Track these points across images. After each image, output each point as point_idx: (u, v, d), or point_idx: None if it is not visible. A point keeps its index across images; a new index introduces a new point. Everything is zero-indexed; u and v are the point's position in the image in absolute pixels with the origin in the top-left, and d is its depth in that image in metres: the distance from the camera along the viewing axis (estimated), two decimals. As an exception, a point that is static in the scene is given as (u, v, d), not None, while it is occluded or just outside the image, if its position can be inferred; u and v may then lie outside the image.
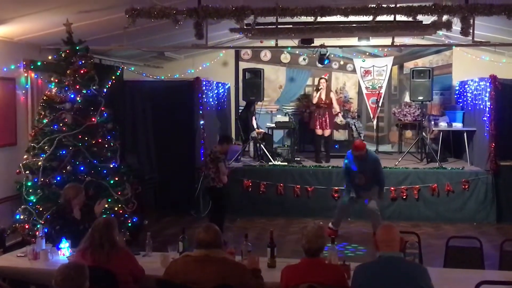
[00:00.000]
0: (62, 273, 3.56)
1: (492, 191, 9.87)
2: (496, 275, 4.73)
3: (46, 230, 5.65)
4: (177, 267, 4.11)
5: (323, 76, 12.00)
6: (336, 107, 11.64)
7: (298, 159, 11.20)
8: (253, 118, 11.81)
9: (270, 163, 10.85)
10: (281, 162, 11.01)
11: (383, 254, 3.85)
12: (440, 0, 6.72)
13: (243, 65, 12.90)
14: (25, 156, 7.45)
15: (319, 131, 11.32)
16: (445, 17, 7.08)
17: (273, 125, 11.99)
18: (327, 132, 11.35)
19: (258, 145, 11.38)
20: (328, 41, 9.70)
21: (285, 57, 13.31)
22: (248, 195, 10.33)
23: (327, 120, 11.24)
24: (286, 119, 12.04)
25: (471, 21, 6.75)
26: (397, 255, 3.87)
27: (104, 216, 5.39)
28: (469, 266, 5.14)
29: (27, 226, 7.10)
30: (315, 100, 11.39)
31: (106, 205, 6.84)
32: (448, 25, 7.18)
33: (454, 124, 11.16)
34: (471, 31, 6.90)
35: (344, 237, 8.78)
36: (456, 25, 6.90)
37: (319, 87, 11.40)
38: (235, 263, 4.25)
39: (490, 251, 6.90)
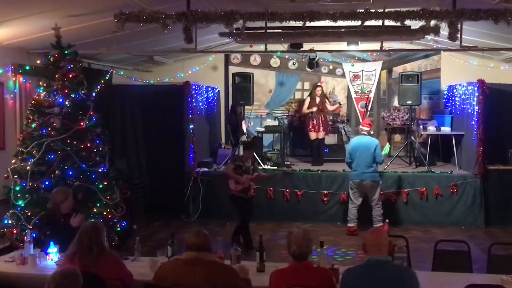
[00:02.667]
0: (56, 280, 3.53)
1: (480, 195, 9.92)
2: (484, 278, 4.77)
3: (34, 235, 5.62)
4: (166, 271, 4.10)
5: (319, 84, 12.01)
6: (329, 109, 11.75)
7: (288, 163, 11.21)
8: (243, 122, 11.81)
9: (260, 167, 10.82)
10: (271, 166, 11.01)
11: (371, 258, 3.87)
12: (428, 5, 6.76)
13: (232, 69, 12.91)
14: (13, 161, 7.39)
15: (313, 135, 11.38)
16: (433, 22, 7.15)
17: (263, 129, 12.01)
18: (321, 135, 11.42)
19: (248, 149, 11.36)
20: (317, 46, 9.72)
21: (275, 62, 13.33)
22: (238, 199, 10.29)
23: (321, 123, 11.31)
24: (276, 123, 12.08)
25: (459, 26, 6.80)
26: (386, 258, 3.89)
27: (92, 220, 5.37)
28: (457, 269, 5.16)
29: (15, 231, 7.06)
30: (305, 107, 11.46)
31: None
32: (436, 30, 7.24)
33: (442, 128, 11.21)
34: (459, 36, 6.94)
35: (334, 242, 8.79)
36: (444, 30, 6.95)
37: (315, 95, 11.43)
38: (225, 265, 4.24)
39: (478, 255, 6.94)
